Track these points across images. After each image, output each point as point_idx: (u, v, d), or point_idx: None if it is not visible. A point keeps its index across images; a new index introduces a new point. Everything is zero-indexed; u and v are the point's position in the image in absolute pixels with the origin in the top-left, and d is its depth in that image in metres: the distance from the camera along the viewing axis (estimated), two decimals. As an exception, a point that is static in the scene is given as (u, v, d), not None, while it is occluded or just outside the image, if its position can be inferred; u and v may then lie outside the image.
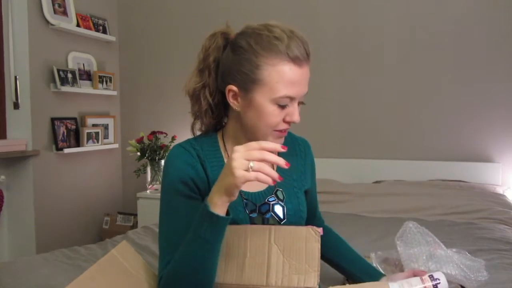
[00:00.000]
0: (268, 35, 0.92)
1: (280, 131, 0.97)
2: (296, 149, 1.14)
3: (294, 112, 0.95)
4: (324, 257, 1.16)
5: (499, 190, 2.42)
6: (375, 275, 1.10)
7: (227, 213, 0.86)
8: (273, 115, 0.94)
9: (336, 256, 1.18)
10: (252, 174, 0.78)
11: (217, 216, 0.83)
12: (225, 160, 1.04)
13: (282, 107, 0.94)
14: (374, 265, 1.22)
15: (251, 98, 0.94)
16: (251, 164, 0.78)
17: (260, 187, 1.04)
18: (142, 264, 1.05)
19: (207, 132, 1.07)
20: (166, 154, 2.97)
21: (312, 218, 1.21)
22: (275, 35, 0.92)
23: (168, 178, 0.99)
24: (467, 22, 2.61)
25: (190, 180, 0.97)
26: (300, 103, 0.98)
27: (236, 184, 0.80)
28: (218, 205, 0.83)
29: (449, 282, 1.00)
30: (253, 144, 0.80)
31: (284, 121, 0.96)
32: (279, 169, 1.07)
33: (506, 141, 2.56)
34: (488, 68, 2.58)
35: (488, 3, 2.57)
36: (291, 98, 0.94)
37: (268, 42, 0.92)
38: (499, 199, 2.29)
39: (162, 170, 1.06)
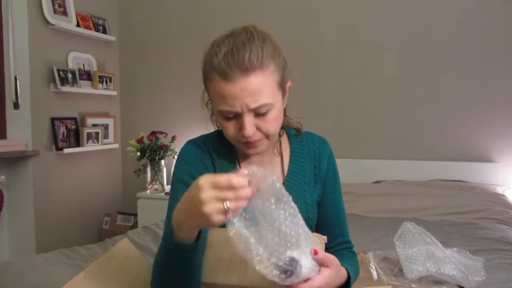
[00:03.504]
0: (213, 47, 0.92)
1: (246, 143, 0.93)
2: (310, 150, 1.07)
3: (242, 125, 0.90)
4: None
5: (499, 190, 2.42)
6: None
7: (199, 233, 0.81)
8: (225, 127, 0.94)
9: None
10: (231, 216, 0.70)
11: (184, 247, 0.80)
12: (235, 159, 1.04)
13: (229, 119, 0.92)
14: (372, 265, 1.22)
15: (212, 109, 0.99)
16: (227, 205, 0.69)
17: None
18: (142, 262, 1.05)
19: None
20: (167, 153, 3.00)
21: (329, 238, 1.04)
22: (216, 47, 0.91)
23: (178, 171, 1.02)
24: (467, 22, 2.61)
25: (198, 175, 0.98)
26: (260, 114, 0.91)
27: (214, 226, 0.73)
28: (186, 232, 0.78)
29: (448, 282, 1.00)
30: (222, 180, 0.70)
31: (240, 133, 0.92)
32: (291, 170, 1.05)
33: (506, 141, 2.56)
34: (488, 68, 2.58)
35: (488, 3, 2.57)
36: (232, 112, 0.90)
37: (210, 55, 0.91)
38: (499, 199, 2.29)
39: (169, 166, 1.07)
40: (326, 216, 1.07)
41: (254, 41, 0.89)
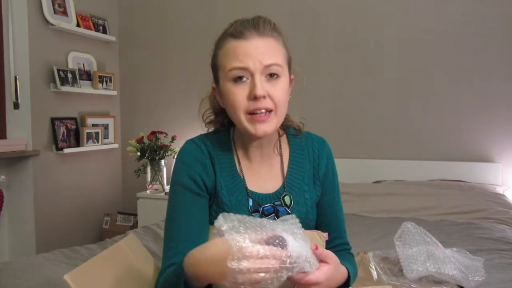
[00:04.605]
0: (226, 26, 0.98)
1: (252, 114, 0.92)
2: (310, 150, 1.07)
3: (253, 86, 0.90)
4: None
5: (499, 190, 2.42)
6: None
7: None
8: (232, 93, 0.92)
9: None
10: None
11: None
12: (235, 159, 1.03)
13: (237, 81, 0.91)
14: (372, 265, 1.22)
15: (219, 87, 0.98)
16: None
17: (268, 190, 1.02)
18: (148, 258, 1.06)
19: (221, 128, 1.08)
20: (167, 153, 3.00)
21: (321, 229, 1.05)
22: (229, 23, 0.97)
23: (177, 174, 1.00)
24: (467, 22, 2.61)
25: (198, 177, 0.98)
26: (271, 75, 0.92)
27: None
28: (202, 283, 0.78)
29: (448, 282, 1.00)
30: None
31: (249, 99, 0.91)
32: (290, 170, 1.05)
33: (506, 141, 2.56)
34: (488, 68, 2.58)
35: (488, 3, 2.57)
36: (243, 70, 0.90)
37: (223, 32, 0.97)
38: (499, 199, 2.29)
39: (169, 166, 1.06)
40: (324, 217, 1.06)
41: (267, 18, 0.97)
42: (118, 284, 0.95)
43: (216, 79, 0.99)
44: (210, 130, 1.09)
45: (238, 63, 0.90)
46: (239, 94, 0.91)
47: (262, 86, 0.90)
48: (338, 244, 1.07)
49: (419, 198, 2.33)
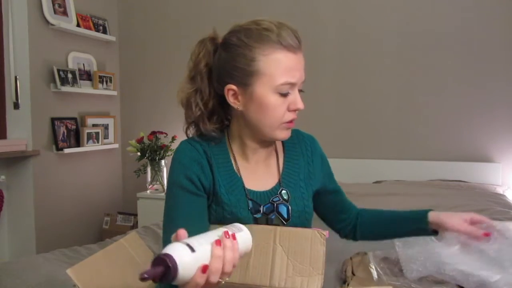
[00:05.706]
0: (258, 28, 0.94)
1: (288, 122, 0.98)
2: (302, 148, 1.11)
3: (296, 99, 0.96)
4: (377, 237, 1.20)
5: (499, 190, 2.42)
6: (421, 218, 1.09)
7: None
8: (276, 105, 0.94)
9: (380, 232, 1.19)
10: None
11: None
12: (231, 158, 1.03)
13: (284, 95, 0.94)
14: (372, 265, 1.22)
15: (251, 92, 0.95)
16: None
17: (266, 187, 1.04)
18: (149, 255, 1.06)
19: (217, 131, 1.05)
20: (167, 154, 3.00)
21: (342, 211, 1.17)
22: (264, 27, 0.94)
23: (174, 174, 1.00)
24: (468, 22, 2.61)
25: (195, 177, 0.98)
26: (299, 91, 0.98)
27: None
28: None
29: (448, 282, 1.00)
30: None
31: (288, 110, 0.96)
32: (286, 168, 1.07)
33: (506, 141, 2.56)
34: (488, 68, 2.58)
35: (489, 4, 2.57)
36: (291, 85, 0.94)
37: (259, 34, 0.93)
38: (499, 199, 2.29)
39: (169, 166, 1.05)
40: (339, 203, 1.17)
41: (285, 22, 0.97)
42: (119, 279, 0.95)
43: (244, 82, 0.95)
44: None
45: (292, 79, 0.93)
46: (283, 106, 0.95)
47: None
48: (358, 212, 1.19)
49: (419, 198, 2.32)
